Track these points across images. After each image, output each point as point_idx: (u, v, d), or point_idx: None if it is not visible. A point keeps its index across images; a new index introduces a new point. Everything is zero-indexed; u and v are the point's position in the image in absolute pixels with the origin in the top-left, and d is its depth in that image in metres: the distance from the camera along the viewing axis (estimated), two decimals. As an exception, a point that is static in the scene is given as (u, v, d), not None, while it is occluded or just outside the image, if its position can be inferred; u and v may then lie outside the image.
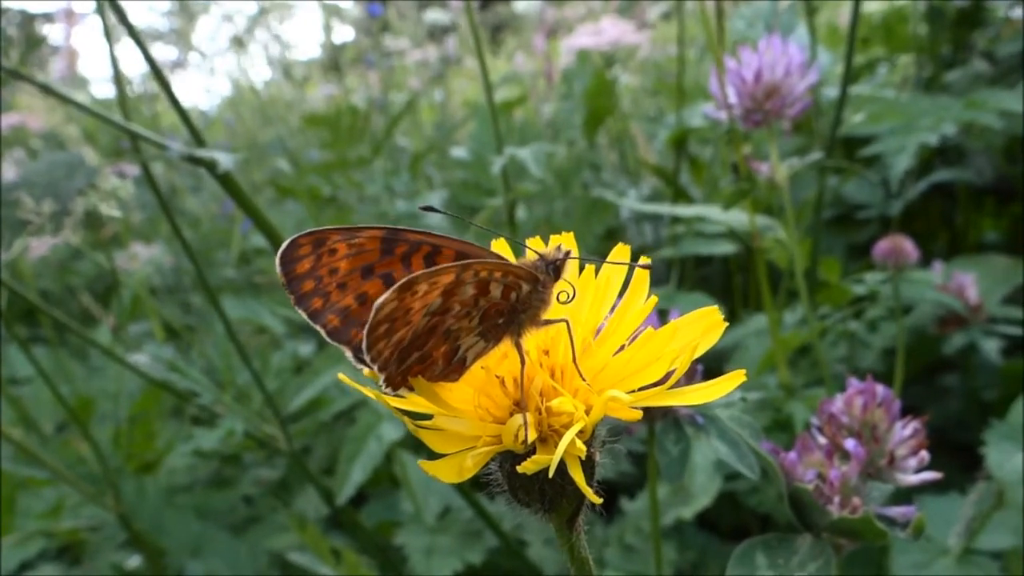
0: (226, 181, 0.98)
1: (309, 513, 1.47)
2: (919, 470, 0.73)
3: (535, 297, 0.42)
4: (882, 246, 1.24)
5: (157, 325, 1.69)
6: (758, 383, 1.38)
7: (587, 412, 0.38)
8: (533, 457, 0.35)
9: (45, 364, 1.81)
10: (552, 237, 0.44)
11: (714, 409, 0.78)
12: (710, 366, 1.35)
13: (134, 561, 1.37)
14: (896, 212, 1.73)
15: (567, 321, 0.41)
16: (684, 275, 1.74)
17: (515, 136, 1.71)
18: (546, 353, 0.42)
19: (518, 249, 0.47)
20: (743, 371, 0.37)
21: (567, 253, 0.43)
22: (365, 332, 0.38)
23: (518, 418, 0.38)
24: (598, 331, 0.43)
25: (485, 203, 1.44)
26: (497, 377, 0.41)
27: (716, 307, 0.40)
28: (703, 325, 0.40)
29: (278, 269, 0.41)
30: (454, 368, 0.42)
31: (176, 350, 1.67)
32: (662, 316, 0.80)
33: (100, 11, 1.00)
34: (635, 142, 1.89)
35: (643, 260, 0.44)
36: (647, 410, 0.81)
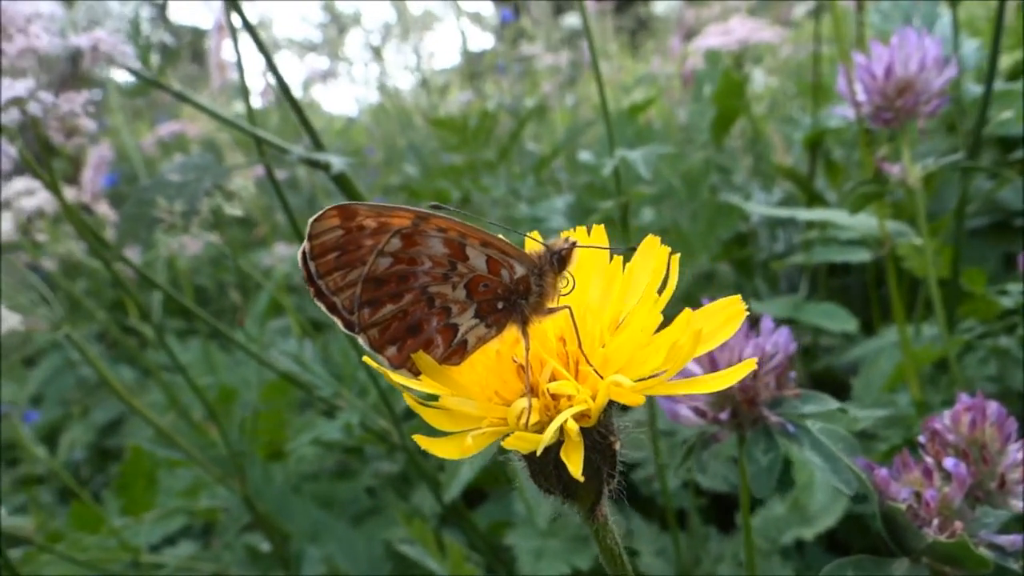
0: (340, 181, 1.03)
1: (425, 508, 1.50)
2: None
3: (534, 283, 0.42)
4: (1028, 254, 1.13)
5: (295, 321, 1.79)
6: (888, 399, 1.29)
7: (594, 398, 0.37)
8: (519, 433, 0.34)
9: (197, 355, 1.95)
10: (580, 228, 0.44)
11: (807, 419, 0.74)
12: (839, 379, 1.29)
13: (266, 546, 1.46)
14: (1060, 219, 1.57)
15: (570, 308, 0.40)
16: (817, 284, 1.65)
17: (644, 138, 1.69)
18: (563, 341, 0.41)
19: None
20: (747, 363, 0.35)
21: (572, 243, 0.42)
22: (308, 253, 0.39)
23: (522, 400, 0.37)
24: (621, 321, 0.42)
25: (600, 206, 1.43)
26: (515, 361, 0.40)
27: (739, 297, 0.38)
28: (722, 316, 0.38)
29: (305, 235, 0.41)
30: (455, 351, 0.42)
31: (314, 346, 1.75)
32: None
33: (231, 28, 1.07)
34: (770, 145, 1.82)
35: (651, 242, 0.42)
36: (735, 416, 0.78)
